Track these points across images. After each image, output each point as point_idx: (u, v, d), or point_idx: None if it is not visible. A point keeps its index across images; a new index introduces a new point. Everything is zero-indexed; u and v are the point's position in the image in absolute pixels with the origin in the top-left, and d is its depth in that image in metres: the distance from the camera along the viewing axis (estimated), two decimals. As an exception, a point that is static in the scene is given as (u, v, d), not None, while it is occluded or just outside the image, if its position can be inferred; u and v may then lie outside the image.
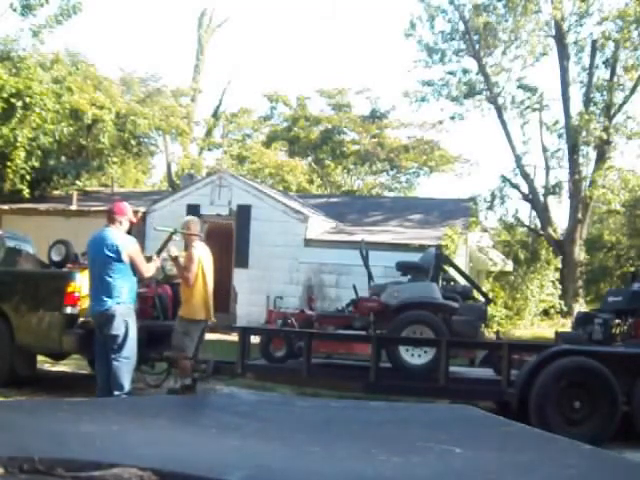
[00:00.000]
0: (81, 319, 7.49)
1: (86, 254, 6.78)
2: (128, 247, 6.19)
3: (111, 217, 6.33)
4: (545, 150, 21.49)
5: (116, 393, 5.96)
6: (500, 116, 21.33)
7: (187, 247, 7.50)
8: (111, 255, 6.07)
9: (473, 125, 60.90)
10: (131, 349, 6.19)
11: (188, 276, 7.23)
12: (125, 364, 6.13)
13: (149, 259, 6.85)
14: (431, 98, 22.73)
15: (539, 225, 21.66)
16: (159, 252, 7.22)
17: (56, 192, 20.36)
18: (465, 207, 19.30)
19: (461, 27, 21.58)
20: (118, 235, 6.22)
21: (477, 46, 21.17)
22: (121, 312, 6.11)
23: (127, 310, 6.19)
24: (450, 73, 22.06)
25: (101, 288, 6.12)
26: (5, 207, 17.97)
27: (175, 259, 7.31)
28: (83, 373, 9.17)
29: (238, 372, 8.13)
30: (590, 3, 20.37)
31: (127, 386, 6.13)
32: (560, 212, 23.76)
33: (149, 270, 6.48)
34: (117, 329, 6.08)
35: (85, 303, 7.47)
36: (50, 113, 17.96)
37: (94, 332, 6.49)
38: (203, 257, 7.48)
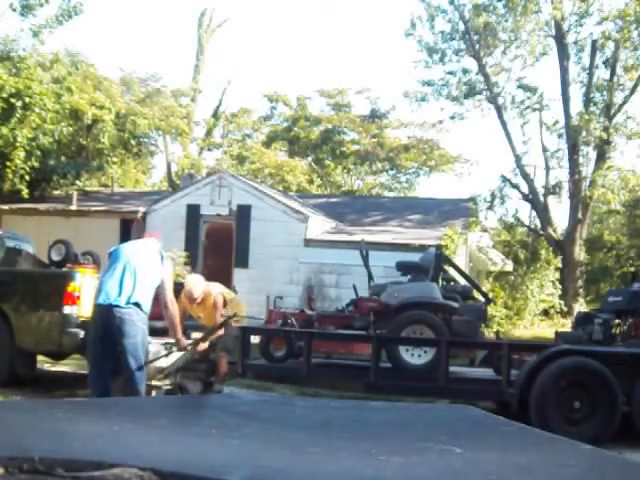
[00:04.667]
0: (81, 318, 7.47)
1: (116, 253, 6.39)
2: (168, 262, 6.29)
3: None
4: (545, 150, 21.48)
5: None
6: (500, 116, 21.32)
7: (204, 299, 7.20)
8: (155, 263, 6.07)
9: (473, 125, 60.95)
10: (143, 356, 6.04)
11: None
12: (142, 372, 5.97)
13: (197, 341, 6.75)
14: (431, 98, 22.76)
15: (539, 225, 21.64)
16: (205, 338, 6.80)
17: (56, 192, 20.31)
18: (465, 207, 19.29)
19: (461, 27, 21.57)
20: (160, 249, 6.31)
21: (477, 46, 21.16)
22: (139, 318, 5.91)
23: (144, 318, 6.00)
24: (450, 73, 22.05)
25: (130, 289, 5.87)
26: (5, 207, 17.94)
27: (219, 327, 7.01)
28: (83, 373, 9.16)
29: (238, 372, 8.14)
30: (590, 3, 20.35)
31: (143, 391, 6.01)
32: (560, 212, 23.79)
33: (173, 303, 6.22)
34: (134, 336, 5.86)
35: (87, 302, 7.46)
36: (50, 113, 17.93)
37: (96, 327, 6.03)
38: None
